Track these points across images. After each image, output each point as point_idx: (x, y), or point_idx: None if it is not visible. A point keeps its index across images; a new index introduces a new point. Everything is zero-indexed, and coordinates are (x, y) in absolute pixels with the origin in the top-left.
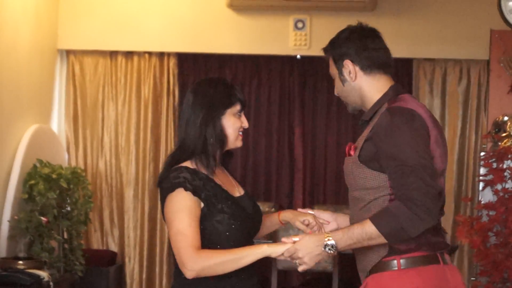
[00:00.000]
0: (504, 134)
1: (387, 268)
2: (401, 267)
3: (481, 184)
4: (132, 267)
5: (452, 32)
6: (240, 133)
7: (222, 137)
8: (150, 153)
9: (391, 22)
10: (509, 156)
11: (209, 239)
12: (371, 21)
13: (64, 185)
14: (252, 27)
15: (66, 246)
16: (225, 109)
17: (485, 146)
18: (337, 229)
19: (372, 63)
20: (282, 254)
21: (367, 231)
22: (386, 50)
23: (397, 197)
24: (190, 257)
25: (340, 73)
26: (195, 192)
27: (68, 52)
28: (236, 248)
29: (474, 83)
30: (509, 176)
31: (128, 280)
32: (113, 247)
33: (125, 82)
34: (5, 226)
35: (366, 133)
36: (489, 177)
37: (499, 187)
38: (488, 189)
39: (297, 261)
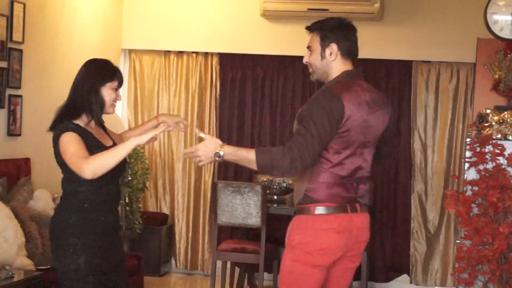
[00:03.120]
0: (486, 124)
1: (305, 213)
2: (315, 213)
3: (467, 165)
4: (181, 227)
5: (446, 39)
6: (114, 103)
7: (101, 103)
8: (196, 135)
9: (395, 30)
10: (490, 142)
11: None
12: (378, 29)
13: (127, 159)
14: (280, 33)
15: (127, 208)
16: (106, 83)
17: (470, 133)
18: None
19: (349, 52)
20: (147, 142)
21: (249, 157)
22: (356, 44)
23: (286, 145)
24: (84, 163)
25: (323, 51)
26: (80, 135)
27: (130, 51)
28: (113, 147)
29: (462, 82)
30: (489, 158)
31: (177, 237)
32: (165, 210)
33: (176, 76)
34: None
35: None
36: (473, 159)
37: (481, 167)
38: (472, 169)
39: (196, 159)
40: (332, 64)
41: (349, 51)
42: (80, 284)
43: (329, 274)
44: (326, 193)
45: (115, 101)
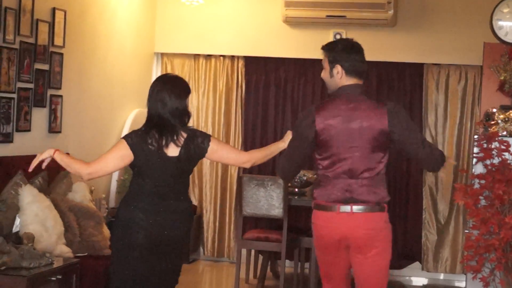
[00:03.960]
0: (492, 122)
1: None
2: (313, 208)
3: (474, 160)
4: (208, 217)
5: (454, 44)
6: None
7: None
8: (223, 132)
9: (408, 35)
10: (496, 138)
11: None
12: (392, 34)
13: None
14: (301, 38)
15: None
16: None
17: (478, 131)
18: None
19: (352, 70)
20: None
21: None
22: (363, 62)
23: None
24: (246, 153)
25: (331, 70)
26: None
27: (162, 55)
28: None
29: (470, 83)
30: (495, 154)
31: (205, 227)
32: (194, 202)
33: (205, 78)
34: (114, 184)
35: None
36: (481, 154)
37: (488, 162)
38: (479, 163)
39: None
40: (339, 81)
41: (353, 70)
42: None
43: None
44: (318, 192)
45: None
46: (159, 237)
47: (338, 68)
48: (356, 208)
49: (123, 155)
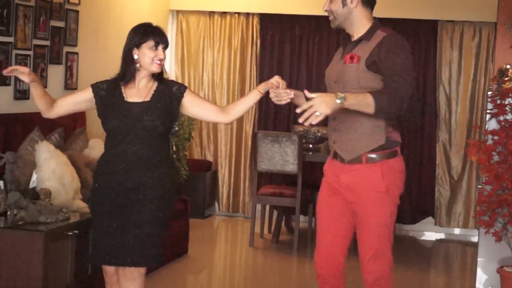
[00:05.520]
0: (506, 78)
1: (394, 156)
2: (398, 154)
3: (488, 116)
4: (223, 173)
5: (469, 0)
6: (157, 61)
7: (134, 65)
8: (238, 88)
9: None
10: (510, 95)
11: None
12: None
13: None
14: None
15: (174, 156)
16: (140, 45)
17: (491, 87)
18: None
19: (369, 0)
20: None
21: (368, 100)
22: None
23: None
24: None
25: None
26: (93, 89)
27: (178, 12)
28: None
29: (484, 40)
30: (509, 110)
31: (220, 183)
32: (209, 158)
33: (220, 35)
34: None
35: (368, 48)
36: (494, 110)
37: (501, 118)
38: (493, 120)
39: (315, 112)
40: (354, 10)
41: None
42: None
43: None
44: (398, 134)
45: (157, 60)
46: None
47: None
48: None
49: None
